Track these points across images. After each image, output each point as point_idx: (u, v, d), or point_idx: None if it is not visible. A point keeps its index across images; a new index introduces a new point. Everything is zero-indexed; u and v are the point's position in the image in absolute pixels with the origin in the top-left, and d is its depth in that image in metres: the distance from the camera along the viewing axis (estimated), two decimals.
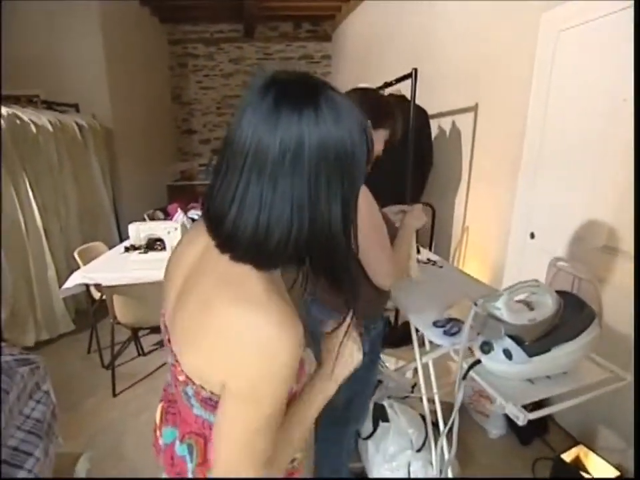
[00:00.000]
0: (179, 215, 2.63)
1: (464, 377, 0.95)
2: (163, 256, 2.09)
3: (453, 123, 2.68)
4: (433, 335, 1.12)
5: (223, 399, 0.50)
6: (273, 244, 0.45)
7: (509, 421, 1.85)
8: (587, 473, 1.46)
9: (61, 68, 3.80)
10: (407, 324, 2.63)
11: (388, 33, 3.67)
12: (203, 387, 0.53)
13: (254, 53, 5.89)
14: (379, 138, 1.07)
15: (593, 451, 1.51)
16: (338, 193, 0.45)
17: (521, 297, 0.93)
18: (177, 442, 0.62)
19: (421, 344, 1.55)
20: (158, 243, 2.31)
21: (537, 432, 1.80)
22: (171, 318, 0.57)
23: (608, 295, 1.59)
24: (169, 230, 2.05)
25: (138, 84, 4.58)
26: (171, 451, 0.63)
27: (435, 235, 2.67)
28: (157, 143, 5.23)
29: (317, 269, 0.52)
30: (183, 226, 2.16)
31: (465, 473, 1.63)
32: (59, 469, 1.28)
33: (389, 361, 2.39)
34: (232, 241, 0.47)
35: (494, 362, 0.91)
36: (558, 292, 0.97)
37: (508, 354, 0.89)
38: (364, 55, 4.42)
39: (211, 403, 0.53)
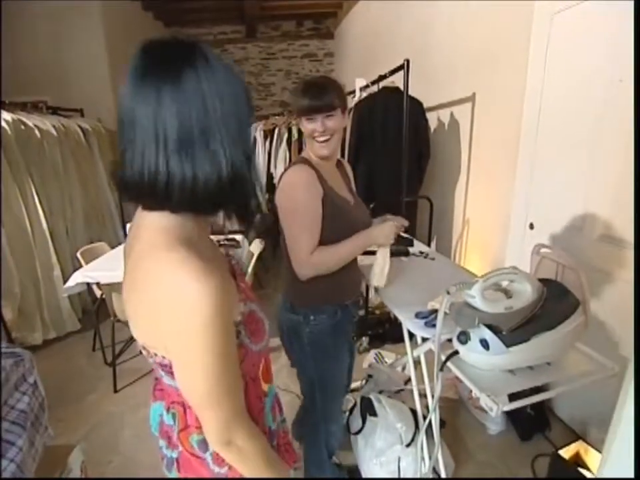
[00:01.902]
0: None
1: (441, 369, 0.92)
2: None
3: (452, 114, 2.63)
4: (413, 326, 1.10)
5: (172, 361, 0.54)
6: (201, 188, 0.50)
7: (509, 417, 1.81)
8: (587, 469, 1.41)
9: (66, 74, 3.89)
10: None
11: (386, 27, 3.63)
12: (156, 354, 0.56)
13: (257, 53, 5.93)
14: (345, 117, 1.11)
15: (594, 447, 1.46)
16: (236, 138, 0.52)
17: (502, 284, 0.90)
18: (164, 413, 0.65)
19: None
20: None
21: (538, 427, 1.75)
22: (125, 300, 0.59)
23: (606, 284, 1.53)
24: None
25: None
26: (162, 424, 0.66)
27: (433, 229, 2.63)
28: None
29: (231, 206, 0.56)
30: None
31: (462, 470, 1.60)
32: (53, 460, 1.30)
33: (389, 357, 2.38)
34: (168, 194, 0.50)
35: (471, 352, 0.88)
36: (541, 280, 0.94)
37: (485, 344, 0.86)
38: (365, 50, 4.39)
39: (170, 369, 0.56)
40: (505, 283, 0.90)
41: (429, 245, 2.52)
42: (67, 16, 3.80)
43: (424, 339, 1.18)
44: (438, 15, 2.72)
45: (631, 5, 1.29)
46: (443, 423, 1.55)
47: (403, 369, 1.86)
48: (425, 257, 1.65)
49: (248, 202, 0.56)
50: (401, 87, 2.16)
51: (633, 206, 1.39)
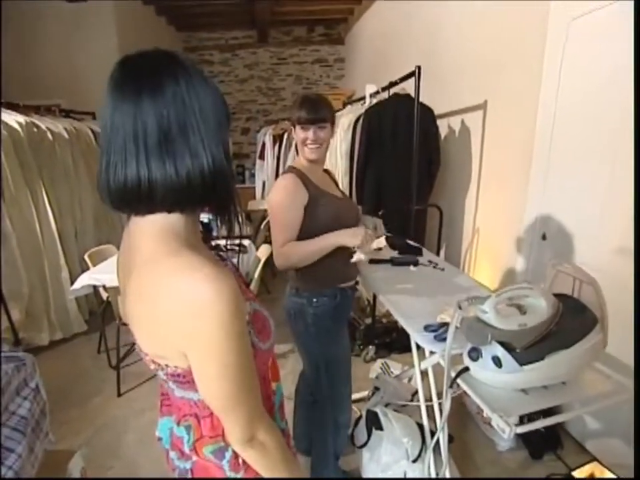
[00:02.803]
0: None
1: (451, 385, 0.89)
2: None
3: (462, 121, 2.60)
4: (422, 340, 1.07)
5: (192, 368, 0.53)
6: (184, 184, 0.52)
7: (520, 434, 1.75)
8: None
9: (79, 78, 3.94)
10: None
11: (397, 33, 3.62)
12: (167, 365, 0.56)
13: (268, 58, 5.96)
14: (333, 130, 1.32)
15: (608, 468, 1.40)
16: (215, 136, 0.54)
17: (515, 300, 0.87)
18: (175, 427, 0.65)
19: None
20: None
21: (549, 446, 1.69)
22: (125, 313, 0.59)
23: (622, 298, 1.48)
24: None
25: None
26: (173, 436, 0.66)
27: (443, 237, 2.58)
28: None
29: (214, 203, 0.59)
30: None
31: None
32: (53, 466, 1.29)
33: (396, 367, 2.33)
34: (152, 194, 0.51)
35: (482, 370, 0.85)
36: (556, 295, 0.90)
37: (497, 361, 0.82)
38: (375, 56, 4.38)
39: (183, 379, 0.57)
40: (518, 298, 0.87)
41: (437, 253, 2.48)
42: (80, 19, 3.86)
43: (432, 352, 1.17)
44: (448, 21, 2.70)
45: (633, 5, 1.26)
46: (451, 438, 1.51)
47: (410, 380, 1.82)
48: (435, 267, 1.61)
49: (231, 197, 0.59)
50: (412, 94, 2.14)
51: (633, 216, 1.36)
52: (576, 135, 1.69)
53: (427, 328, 1.10)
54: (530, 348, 0.82)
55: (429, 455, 1.07)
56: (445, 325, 1.10)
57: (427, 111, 2.44)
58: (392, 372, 2.29)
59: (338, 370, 1.35)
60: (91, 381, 2.32)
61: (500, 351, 0.82)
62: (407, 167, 2.20)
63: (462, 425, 1.88)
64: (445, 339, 1.03)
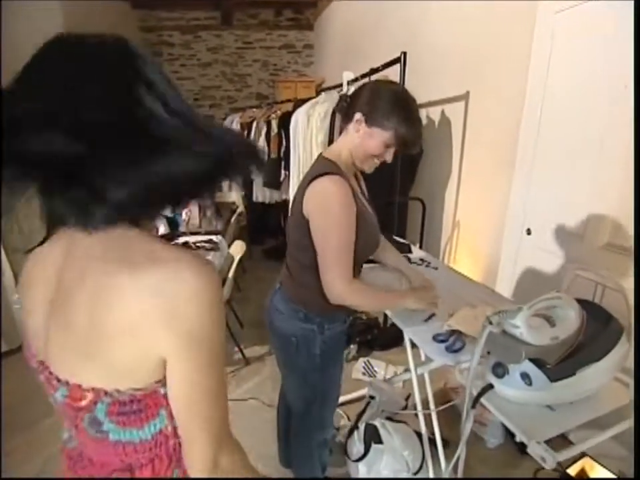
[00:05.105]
0: None
1: (473, 406, 0.80)
2: None
3: (442, 112, 2.54)
4: (433, 351, 0.98)
5: (171, 375, 0.47)
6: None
7: (508, 430, 1.74)
8: None
9: (18, 56, 3.48)
10: (396, 325, 2.51)
11: (375, 18, 3.50)
12: (119, 391, 0.47)
13: (233, 41, 5.64)
14: (379, 138, 0.99)
15: (602, 465, 1.41)
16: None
17: (542, 310, 0.79)
18: None
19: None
20: None
21: None
22: (46, 346, 0.50)
23: (608, 295, 1.49)
24: None
25: None
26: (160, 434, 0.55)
27: (425, 232, 2.54)
28: None
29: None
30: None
31: None
32: None
33: (379, 366, 2.27)
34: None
35: (509, 387, 0.77)
36: (578, 301, 0.84)
37: (526, 378, 0.75)
38: (349, 42, 4.24)
39: (130, 409, 0.48)
40: (546, 309, 0.79)
41: (420, 248, 2.43)
42: None
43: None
44: (429, 7, 2.62)
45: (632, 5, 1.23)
46: (446, 443, 1.46)
47: (403, 384, 1.76)
48: (427, 266, 1.54)
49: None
50: (396, 81, 2.03)
51: (633, 215, 1.36)
52: (563, 128, 1.67)
53: (436, 337, 1.01)
54: (561, 363, 0.75)
55: (430, 469, 0.99)
56: (454, 333, 1.02)
57: None
58: (376, 371, 2.22)
59: (333, 399, 1.24)
60: (41, 400, 2.05)
61: (530, 368, 0.74)
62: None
63: (449, 423, 1.86)
64: (456, 351, 0.95)
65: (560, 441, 1.67)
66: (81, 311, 0.45)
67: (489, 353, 0.81)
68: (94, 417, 0.48)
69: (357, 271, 1.06)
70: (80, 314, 0.46)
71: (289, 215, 1.09)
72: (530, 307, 0.73)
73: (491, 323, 0.72)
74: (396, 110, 0.95)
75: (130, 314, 0.44)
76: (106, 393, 0.47)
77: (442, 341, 1.00)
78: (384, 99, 0.97)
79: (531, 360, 0.74)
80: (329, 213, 0.95)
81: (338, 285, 0.95)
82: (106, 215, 0.41)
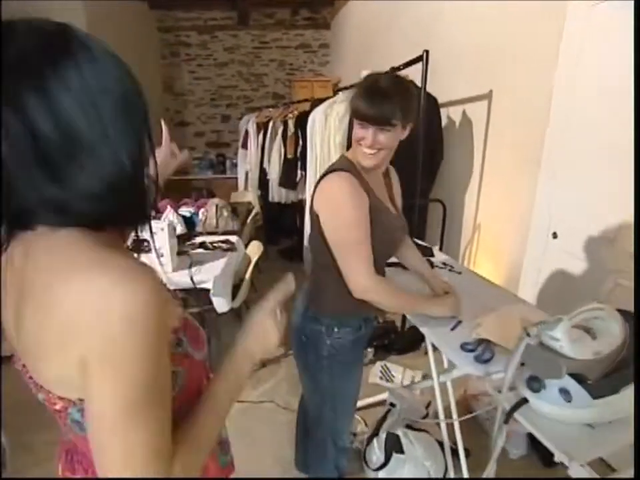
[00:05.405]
0: (168, 213, 2.43)
1: (506, 421, 0.76)
2: (149, 258, 1.89)
3: (464, 112, 2.48)
4: (462, 361, 0.94)
5: (86, 388, 0.42)
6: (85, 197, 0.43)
7: (532, 440, 1.69)
8: None
9: None
10: (415, 329, 2.45)
11: (392, 17, 3.45)
12: (81, 399, 0.45)
13: (249, 41, 5.65)
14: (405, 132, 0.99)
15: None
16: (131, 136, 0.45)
17: (583, 322, 0.75)
18: None
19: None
20: (145, 244, 2.11)
21: None
22: (20, 352, 0.49)
23: None
24: (155, 230, 1.85)
25: None
26: None
27: (445, 234, 2.48)
28: None
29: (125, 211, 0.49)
30: (170, 225, 1.97)
31: None
32: None
33: (396, 370, 2.23)
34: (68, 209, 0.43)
35: (546, 403, 0.73)
36: (620, 312, 0.79)
37: (566, 394, 0.71)
38: (366, 41, 4.19)
39: None
40: (586, 320, 0.75)
41: (440, 250, 2.38)
42: None
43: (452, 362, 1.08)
44: (446, 5, 2.56)
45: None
46: (467, 453, 1.42)
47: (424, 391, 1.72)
48: (450, 270, 1.49)
49: (143, 206, 0.49)
50: (417, 81, 1.99)
51: (633, 217, 1.29)
52: (593, 128, 1.60)
53: (464, 346, 0.97)
54: (604, 379, 0.71)
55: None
56: (482, 342, 0.98)
57: (431, 101, 2.31)
58: (393, 375, 2.19)
59: (345, 405, 1.20)
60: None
61: (570, 383, 0.70)
62: (409, 159, 2.07)
63: (469, 431, 1.81)
64: (486, 361, 0.92)
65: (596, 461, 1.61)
66: (28, 317, 0.45)
67: (522, 364, 0.77)
68: (73, 418, 0.49)
69: (380, 270, 1.03)
70: (27, 321, 0.45)
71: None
72: (570, 318, 0.69)
73: (528, 334, 0.68)
74: (358, 89, 0.96)
75: (60, 322, 0.42)
76: (72, 402, 0.47)
77: (470, 350, 0.96)
78: (357, 85, 1.01)
79: (571, 375, 0.70)
80: (335, 207, 0.95)
81: (361, 278, 0.93)
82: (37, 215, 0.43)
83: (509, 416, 0.76)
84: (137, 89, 0.47)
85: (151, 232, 0.52)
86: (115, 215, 0.47)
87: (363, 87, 0.95)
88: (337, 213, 0.94)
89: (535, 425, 0.75)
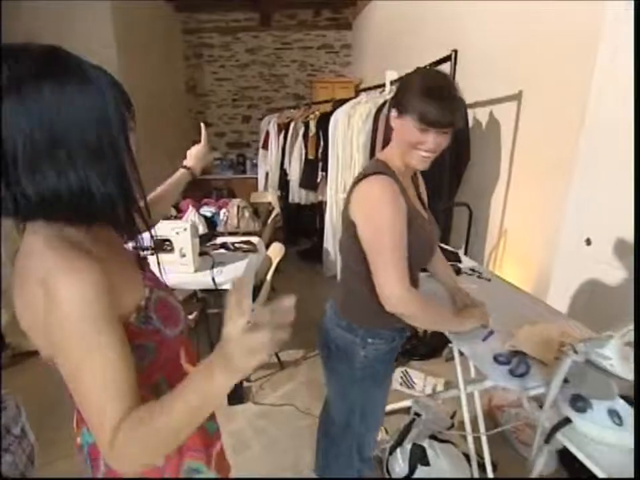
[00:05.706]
0: (190, 213, 2.45)
1: (547, 440, 0.72)
2: (171, 258, 1.91)
3: (491, 113, 2.41)
4: (495, 374, 0.90)
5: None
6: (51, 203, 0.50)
7: (561, 455, 1.62)
8: None
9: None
10: (437, 335, 2.40)
11: (418, 15, 3.39)
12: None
13: (271, 42, 5.67)
14: (410, 124, 0.91)
15: None
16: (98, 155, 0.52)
17: (627, 338, 0.70)
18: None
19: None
20: (167, 243, 2.13)
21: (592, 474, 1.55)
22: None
23: None
24: (177, 230, 1.86)
25: (151, 74, 4.41)
26: (92, 447, 0.64)
27: (470, 239, 2.42)
28: (170, 135, 5.08)
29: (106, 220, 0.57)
30: (193, 226, 1.98)
31: None
32: None
33: (418, 377, 2.18)
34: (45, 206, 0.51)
35: (593, 425, 0.68)
36: None
37: (615, 416, 0.66)
38: (389, 42, 4.14)
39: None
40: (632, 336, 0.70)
41: (465, 254, 2.32)
42: None
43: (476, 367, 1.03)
44: (474, 4, 2.49)
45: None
46: (495, 466, 1.36)
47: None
48: (479, 277, 1.44)
49: (119, 218, 0.57)
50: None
51: (633, 220, 1.20)
52: (630, 131, 1.52)
53: (497, 358, 0.93)
54: None
55: None
56: (517, 354, 0.94)
57: None
58: (414, 382, 2.14)
59: (375, 416, 1.17)
60: None
61: (620, 405, 0.65)
62: (435, 161, 2.02)
63: (495, 444, 1.74)
64: (521, 375, 0.87)
65: None
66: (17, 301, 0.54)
67: (565, 381, 0.73)
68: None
69: (414, 281, 1.00)
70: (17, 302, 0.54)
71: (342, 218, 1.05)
72: (622, 335, 0.65)
73: (576, 352, 0.64)
74: (418, 89, 0.88)
75: (27, 314, 0.53)
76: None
77: (503, 363, 0.91)
78: (409, 83, 0.93)
79: (622, 396, 0.65)
80: (375, 213, 0.91)
81: (395, 289, 0.88)
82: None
83: (550, 436, 0.72)
84: (118, 109, 0.54)
85: (151, 233, 0.63)
86: (74, 215, 0.53)
87: (423, 88, 0.88)
88: (378, 216, 0.90)
89: (580, 447, 0.71)
